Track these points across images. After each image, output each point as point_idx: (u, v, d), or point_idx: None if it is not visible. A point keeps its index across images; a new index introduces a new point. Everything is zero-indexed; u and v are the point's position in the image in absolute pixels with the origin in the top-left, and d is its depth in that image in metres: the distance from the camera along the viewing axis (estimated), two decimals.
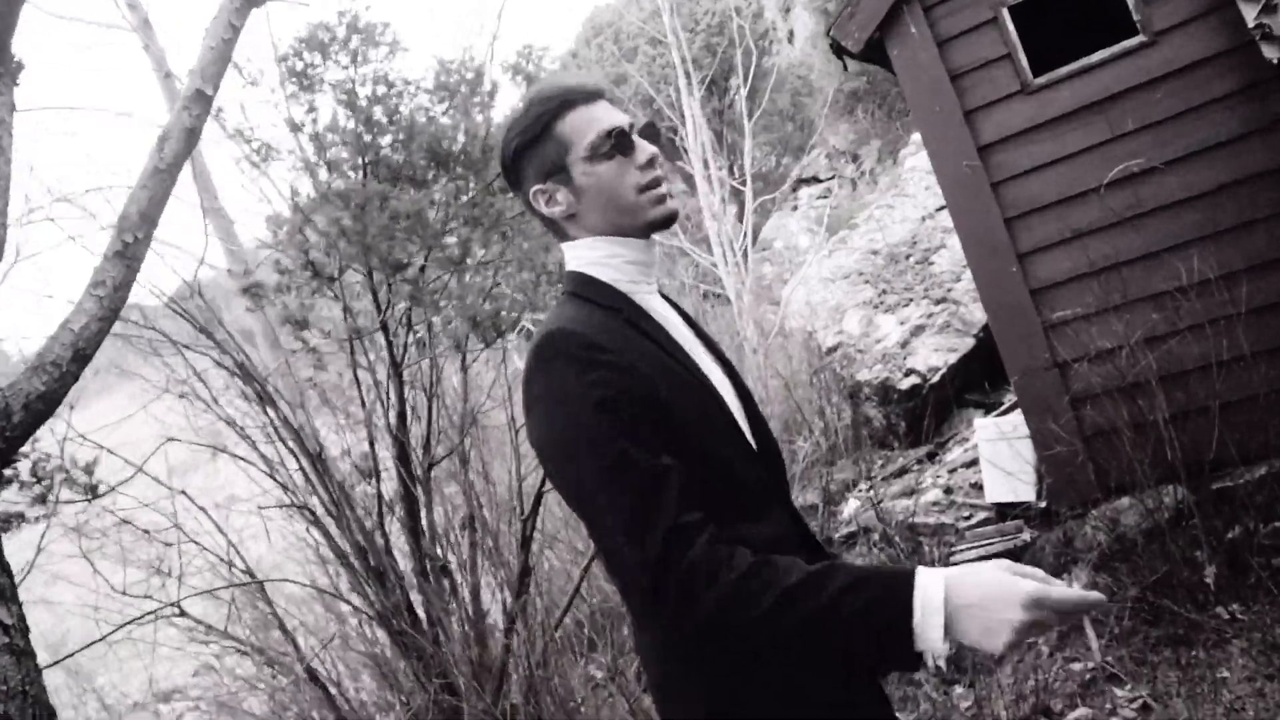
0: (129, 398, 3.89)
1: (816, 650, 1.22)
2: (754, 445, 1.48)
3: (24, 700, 2.02)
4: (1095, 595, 1.14)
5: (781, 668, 1.32)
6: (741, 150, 12.33)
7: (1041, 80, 4.56)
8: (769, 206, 13.97)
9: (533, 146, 1.47)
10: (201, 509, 3.60)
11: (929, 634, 1.15)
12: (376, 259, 2.78)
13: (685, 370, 1.41)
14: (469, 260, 2.98)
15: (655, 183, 1.46)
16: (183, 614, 3.97)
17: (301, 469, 3.48)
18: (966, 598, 1.15)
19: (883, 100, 16.53)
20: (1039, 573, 1.18)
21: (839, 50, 5.05)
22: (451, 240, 2.90)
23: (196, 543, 3.50)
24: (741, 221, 10.56)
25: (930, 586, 1.17)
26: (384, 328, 3.26)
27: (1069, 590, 1.14)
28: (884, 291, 7.78)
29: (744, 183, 10.67)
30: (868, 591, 1.18)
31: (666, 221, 1.48)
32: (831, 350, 7.87)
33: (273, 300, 3.13)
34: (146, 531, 3.36)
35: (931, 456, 6.80)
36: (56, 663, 3.10)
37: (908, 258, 7.88)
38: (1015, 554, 4.99)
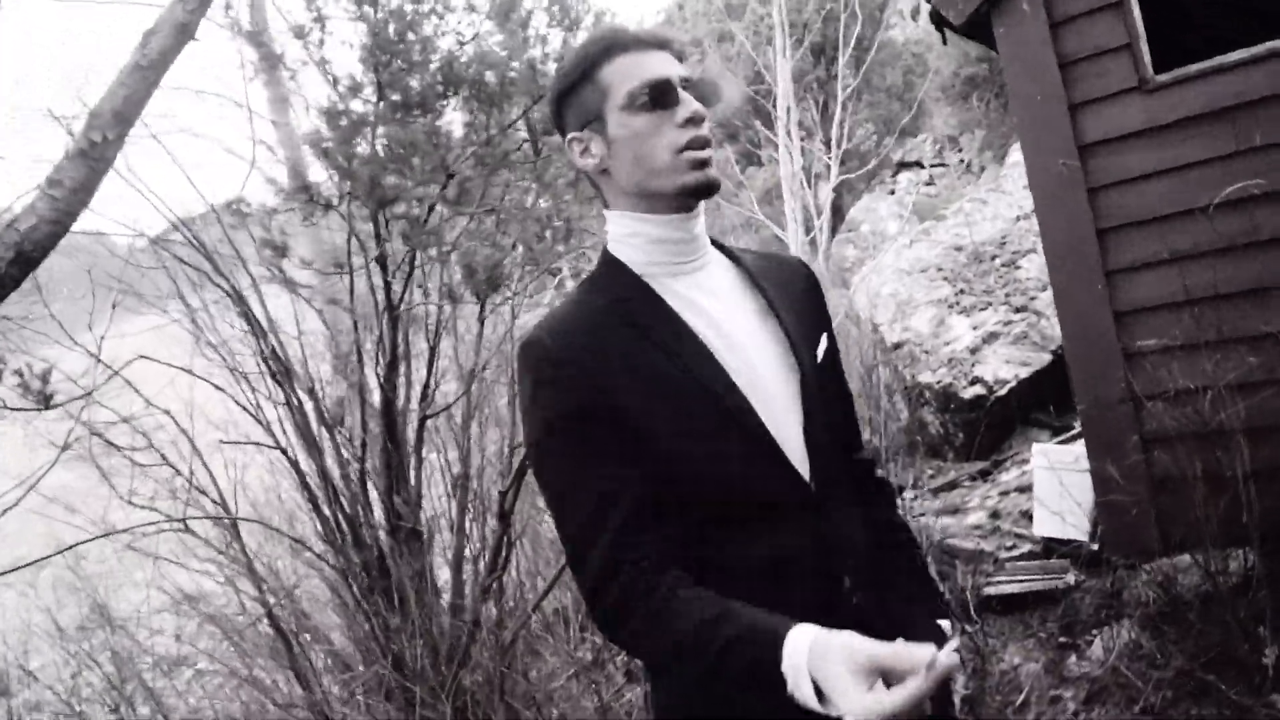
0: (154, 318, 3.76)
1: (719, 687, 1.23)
2: (781, 446, 1.33)
3: None
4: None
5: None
6: (842, 124, 11.77)
7: (1164, 78, 4.04)
8: (859, 185, 13.36)
9: (575, 91, 1.38)
10: (183, 431, 3.44)
11: (803, 695, 1.09)
12: (361, 189, 2.53)
13: (684, 374, 1.30)
14: (464, 203, 2.70)
15: (695, 144, 1.32)
16: (186, 529, 3.85)
17: (289, 405, 3.28)
18: (828, 667, 1.07)
19: (1000, 89, 15.61)
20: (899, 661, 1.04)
21: (940, 22, 4.58)
22: (452, 179, 2.63)
23: (174, 468, 3.34)
24: (828, 197, 10.06)
25: (796, 654, 1.10)
26: (381, 264, 3.00)
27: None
28: (961, 291, 7.27)
29: (836, 158, 10.14)
30: (747, 651, 1.14)
31: (700, 191, 1.34)
32: (896, 346, 7.42)
33: (256, 220, 2.90)
34: (119, 447, 3.22)
35: (985, 475, 6.35)
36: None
37: (993, 258, 7.35)
38: (1056, 596, 4.58)
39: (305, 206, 2.79)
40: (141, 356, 2.98)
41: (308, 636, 3.69)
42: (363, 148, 2.49)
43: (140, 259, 3.95)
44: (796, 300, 1.48)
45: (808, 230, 9.36)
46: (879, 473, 1.65)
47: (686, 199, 1.35)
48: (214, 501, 3.37)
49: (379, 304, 3.21)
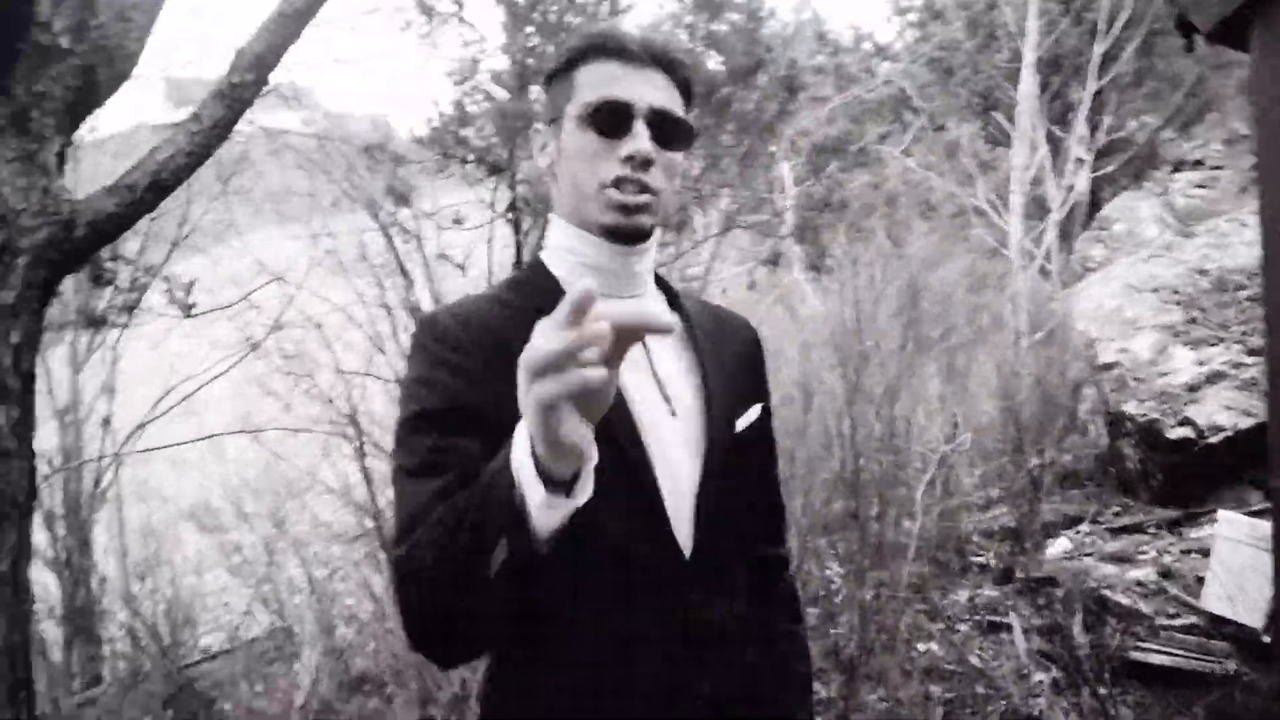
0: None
1: (468, 575, 0.98)
2: (668, 513, 1.18)
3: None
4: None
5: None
6: (1109, 109, 10.65)
7: None
8: (1122, 180, 12.10)
9: (554, 82, 1.27)
10: (328, 348, 3.71)
11: (527, 475, 0.91)
12: (474, 154, 2.58)
13: None
14: None
15: (624, 185, 1.19)
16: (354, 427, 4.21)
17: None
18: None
19: None
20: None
21: (1185, 28, 4.02)
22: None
23: (313, 380, 3.62)
24: (1077, 192, 9.16)
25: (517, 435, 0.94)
26: (515, 225, 3.07)
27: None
28: (1193, 320, 6.49)
29: (1088, 149, 9.20)
30: (481, 492, 0.97)
31: (619, 235, 1.21)
32: (1106, 367, 6.76)
33: (382, 167, 3.02)
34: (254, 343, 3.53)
35: (1174, 526, 5.72)
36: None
37: (1239, 289, 6.49)
38: (1210, 681, 4.09)
39: (440, 160, 2.89)
40: (277, 278, 3.22)
41: None
42: (478, 112, 2.54)
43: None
44: (731, 362, 1.33)
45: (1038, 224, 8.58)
46: (789, 577, 1.48)
47: (607, 237, 1.22)
48: (346, 417, 3.63)
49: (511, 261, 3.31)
